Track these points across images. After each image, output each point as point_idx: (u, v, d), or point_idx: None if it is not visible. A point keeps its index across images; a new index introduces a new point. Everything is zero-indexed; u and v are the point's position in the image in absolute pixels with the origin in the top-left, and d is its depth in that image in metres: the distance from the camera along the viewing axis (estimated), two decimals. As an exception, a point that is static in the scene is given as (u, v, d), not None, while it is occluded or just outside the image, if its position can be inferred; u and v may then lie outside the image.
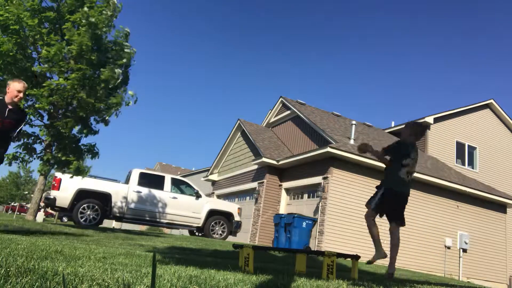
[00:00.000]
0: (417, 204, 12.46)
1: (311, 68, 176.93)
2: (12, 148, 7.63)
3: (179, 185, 11.16)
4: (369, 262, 4.22)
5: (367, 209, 4.23)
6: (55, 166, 8.29)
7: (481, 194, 13.93)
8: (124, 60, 7.98)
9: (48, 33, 7.61)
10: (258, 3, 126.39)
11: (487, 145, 18.22)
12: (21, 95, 4.34)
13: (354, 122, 13.62)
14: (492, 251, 14.17)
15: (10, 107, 4.33)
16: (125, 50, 8.05)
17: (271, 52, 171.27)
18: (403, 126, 17.90)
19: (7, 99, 4.31)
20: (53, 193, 9.23)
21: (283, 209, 14.08)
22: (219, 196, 18.30)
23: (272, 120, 18.03)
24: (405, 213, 4.33)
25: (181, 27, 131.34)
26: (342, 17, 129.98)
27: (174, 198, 10.50)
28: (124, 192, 9.93)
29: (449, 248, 13.09)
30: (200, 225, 10.76)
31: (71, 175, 8.53)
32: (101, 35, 7.71)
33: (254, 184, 15.11)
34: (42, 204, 11.44)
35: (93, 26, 7.36)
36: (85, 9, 7.35)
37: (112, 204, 9.70)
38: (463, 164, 17.43)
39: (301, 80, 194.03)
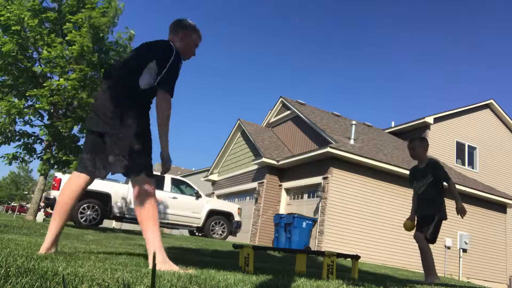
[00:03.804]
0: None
1: (311, 68, 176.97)
2: (12, 148, 7.65)
3: (179, 185, 11.15)
4: None
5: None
6: (55, 166, 8.29)
7: (481, 194, 13.93)
8: None
9: (49, 33, 7.61)
10: (258, 3, 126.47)
11: (487, 145, 18.21)
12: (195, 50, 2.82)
13: (354, 122, 13.63)
14: (492, 251, 14.17)
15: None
16: (127, 50, 8.05)
17: (271, 52, 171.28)
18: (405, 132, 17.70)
19: (180, 48, 2.66)
20: (53, 193, 9.22)
21: (283, 209, 14.08)
22: (219, 196, 18.30)
23: (272, 120, 18.03)
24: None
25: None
26: (341, 17, 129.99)
27: (174, 198, 10.50)
28: (124, 192, 9.92)
29: (449, 248, 13.09)
30: (200, 225, 10.76)
31: (70, 174, 8.52)
32: (103, 36, 7.71)
33: (254, 184, 15.11)
34: (42, 204, 11.43)
35: (95, 28, 7.36)
36: (87, 12, 7.35)
37: (112, 204, 9.69)
38: (463, 164, 17.42)
39: (301, 80, 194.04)
